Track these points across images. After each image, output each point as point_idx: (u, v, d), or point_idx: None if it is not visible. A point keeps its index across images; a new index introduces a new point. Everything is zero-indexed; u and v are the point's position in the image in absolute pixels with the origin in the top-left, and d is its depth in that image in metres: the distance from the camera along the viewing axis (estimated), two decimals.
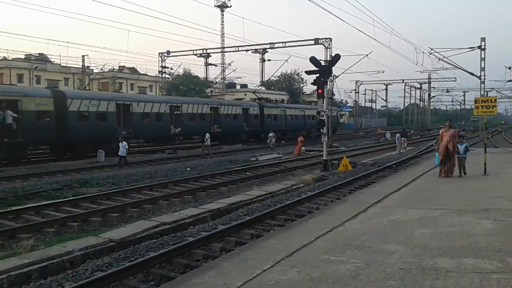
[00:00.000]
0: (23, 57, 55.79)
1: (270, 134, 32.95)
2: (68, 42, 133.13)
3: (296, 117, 47.98)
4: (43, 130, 22.79)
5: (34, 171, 19.13)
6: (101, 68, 50.61)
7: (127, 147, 20.77)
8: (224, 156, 26.96)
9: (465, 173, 13.19)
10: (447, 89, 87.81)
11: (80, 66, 52.44)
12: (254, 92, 50.20)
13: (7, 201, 12.76)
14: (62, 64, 57.37)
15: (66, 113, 24.04)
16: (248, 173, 19.01)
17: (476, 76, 35.13)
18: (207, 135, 26.20)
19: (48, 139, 24.01)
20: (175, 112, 32.01)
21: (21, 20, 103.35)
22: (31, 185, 15.08)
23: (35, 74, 52.23)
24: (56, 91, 25.86)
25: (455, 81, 75.14)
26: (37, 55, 59.23)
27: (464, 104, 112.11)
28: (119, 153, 20.72)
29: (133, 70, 69.91)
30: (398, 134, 30.06)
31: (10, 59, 53.10)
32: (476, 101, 15.03)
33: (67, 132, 23.84)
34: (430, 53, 36.39)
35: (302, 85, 73.15)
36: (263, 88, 63.53)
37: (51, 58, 58.93)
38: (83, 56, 50.80)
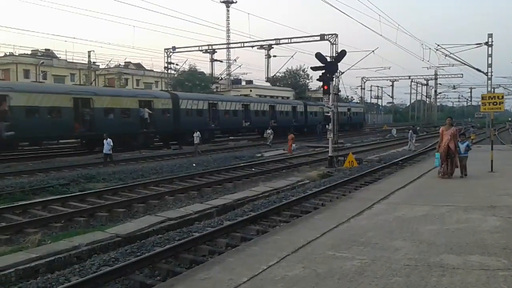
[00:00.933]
0: (29, 52, 55.96)
1: (268, 131, 31.97)
2: (74, 38, 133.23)
3: None
4: (165, 122, 30.11)
5: (41, 166, 19.28)
6: (107, 64, 50.81)
7: (111, 144, 20.23)
8: (229, 152, 27.01)
9: (465, 174, 12.49)
10: (454, 86, 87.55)
11: (86, 62, 52.59)
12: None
13: (14, 196, 12.89)
14: (68, 60, 57.48)
15: (179, 110, 31.28)
16: (253, 169, 19.02)
17: (483, 72, 34.76)
18: (197, 133, 26.50)
19: (168, 129, 30.89)
20: (243, 109, 38.89)
21: (28, 16, 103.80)
22: (38, 180, 15.20)
23: (42, 69, 52.41)
24: (172, 94, 33.36)
25: (462, 77, 74.98)
26: (44, 50, 59.41)
27: (470, 100, 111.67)
28: (104, 151, 20.26)
29: (139, 66, 70.02)
30: (410, 131, 30.14)
31: (17, 54, 53.18)
32: (483, 97, 14.90)
33: (179, 125, 30.91)
34: (437, 49, 35.95)
35: (307, 81, 72.85)
36: (269, 85, 63.41)
37: (57, 53, 59.18)
38: (89, 52, 50.94)
